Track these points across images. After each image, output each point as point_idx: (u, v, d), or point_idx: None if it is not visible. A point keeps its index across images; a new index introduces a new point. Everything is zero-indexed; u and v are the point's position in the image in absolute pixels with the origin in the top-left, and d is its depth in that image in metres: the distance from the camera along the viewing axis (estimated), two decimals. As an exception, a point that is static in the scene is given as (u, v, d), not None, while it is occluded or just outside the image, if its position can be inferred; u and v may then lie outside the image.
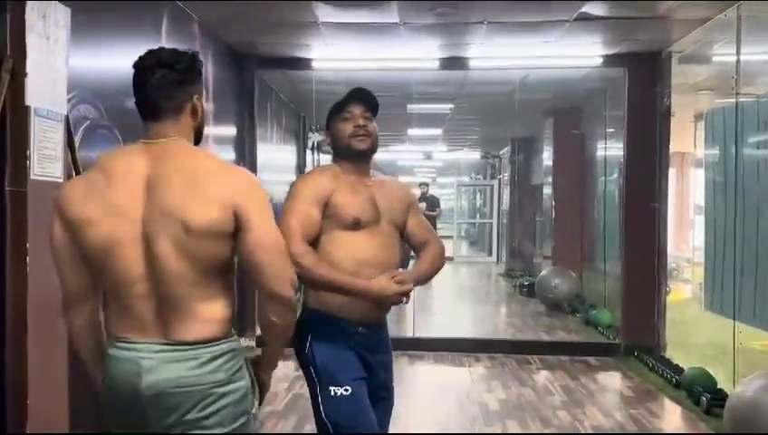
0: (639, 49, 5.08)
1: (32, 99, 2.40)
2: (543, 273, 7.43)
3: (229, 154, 5.19)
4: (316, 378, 1.91)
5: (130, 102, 1.47)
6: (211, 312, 1.38)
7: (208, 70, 4.62)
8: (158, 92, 1.40)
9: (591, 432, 3.53)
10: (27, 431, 2.29)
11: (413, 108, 7.54)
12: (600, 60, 5.26)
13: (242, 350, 1.45)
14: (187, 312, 1.35)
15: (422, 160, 13.10)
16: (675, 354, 5.04)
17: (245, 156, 5.51)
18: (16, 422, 2.30)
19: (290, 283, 1.42)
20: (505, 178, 11.00)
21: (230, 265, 1.41)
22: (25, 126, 2.36)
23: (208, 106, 4.59)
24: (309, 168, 7.89)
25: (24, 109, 2.37)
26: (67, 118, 2.61)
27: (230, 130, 5.27)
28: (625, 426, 3.65)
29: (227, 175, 1.41)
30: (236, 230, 1.36)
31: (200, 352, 1.34)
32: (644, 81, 5.19)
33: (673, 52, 5.07)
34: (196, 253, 1.34)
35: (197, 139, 1.49)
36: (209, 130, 4.61)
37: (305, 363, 1.95)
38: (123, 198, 1.36)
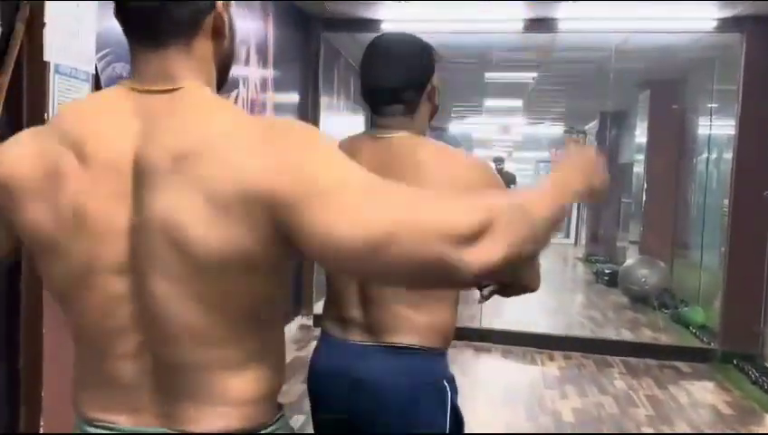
0: (762, 12, 4.33)
1: (51, 54, 2.11)
2: (629, 262, 6.77)
3: (291, 122, 4.86)
4: None
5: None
6: (240, 388, 0.82)
7: (270, 31, 4.27)
8: None
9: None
10: (42, 427, 2.09)
11: (492, 76, 6.95)
12: (714, 23, 4.54)
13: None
14: (202, 387, 0.82)
15: (499, 134, 12.44)
16: (783, 366, 4.40)
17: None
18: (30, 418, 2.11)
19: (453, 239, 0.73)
20: (590, 155, 10.23)
21: (273, 303, 0.84)
22: (43, 85, 2.09)
23: (268, 72, 4.26)
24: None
25: (41, 65, 2.09)
26: (96, 77, 2.33)
27: (292, 98, 4.94)
28: (725, 455, 3.12)
29: (261, 142, 0.76)
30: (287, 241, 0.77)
31: None
32: (765, 49, 4.45)
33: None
34: (215, 293, 0.79)
35: (221, 82, 0.90)
36: (269, 98, 4.28)
37: None
38: (98, 198, 0.79)
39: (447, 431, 1.32)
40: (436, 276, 0.77)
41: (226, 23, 0.86)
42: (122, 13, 0.82)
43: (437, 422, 1.32)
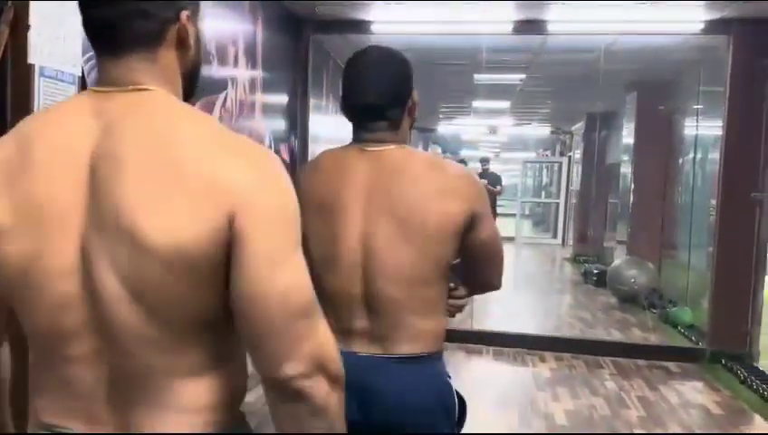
0: (748, 14, 4.36)
1: (36, 56, 2.07)
2: (617, 262, 6.80)
3: (279, 124, 4.82)
4: None
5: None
6: (195, 395, 0.81)
7: (259, 32, 4.23)
8: (119, 2, 0.80)
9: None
10: None
11: (481, 78, 6.95)
12: (701, 25, 4.56)
13: None
14: (156, 394, 0.80)
15: (486, 135, 12.47)
16: (770, 365, 4.43)
17: (297, 127, 5.14)
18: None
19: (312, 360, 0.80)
20: (576, 155, 10.29)
21: (226, 310, 0.82)
22: (28, 88, 2.05)
23: (257, 73, 4.22)
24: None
25: (26, 67, 2.05)
26: (83, 79, 2.28)
27: (281, 99, 4.89)
28: (717, 455, 3.13)
29: (226, 153, 0.78)
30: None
31: None
32: (752, 51, 4.48)
33: (789, 17, 4.33)
34: (168, 296, 0.77)
35: (189, 91, 0.90)
36: (257, 99, 4.24)
37: None
38: (51, 193, 0.78)
39: (457, 417, 1.41)
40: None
41: (191, 33, 0.86)
42: (86, 23, 0.82)
43: (450, 415, 1.39)
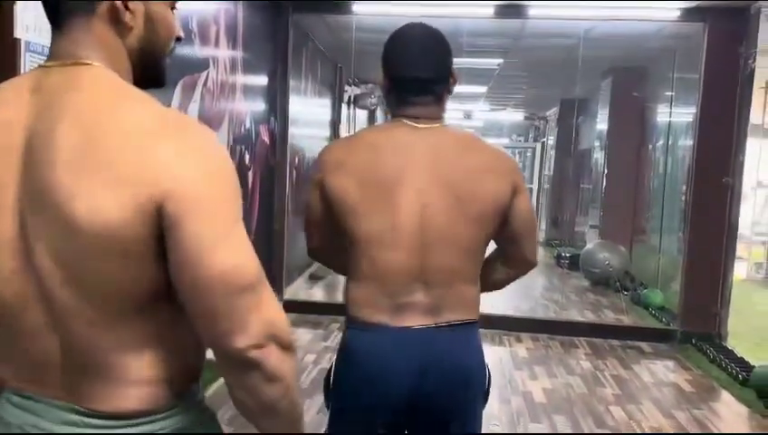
0: (724, 2, 4.46)
1: (22, 31, 2.03)
2: (590, 246, 6.94)
3: (259, 106, 4.78)
4: None
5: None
6: (137, 369, 0.83)
7: (240, 12, 4.18)
8: None
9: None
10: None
11: (460, 62, 6.90)
12: (678, 13, 4.65)
13: (204, 420, 0.91)
14: (101, 366, 0.82)
15: (461, 119, 12.51)
16: (737, 344, 4.59)
17: (276, 109, 5.11)
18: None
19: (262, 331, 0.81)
20: (550, 141, 10.41)
21: (160, 288, 0.82)
22: (13, 63, 2.00)
23: (237, 54, 4.17)
24: (344, 123, 7.45)
25: (12, 42, 2.00)
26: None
27: (260, 80, 4.85)
28: (689, 430, 3.24)
29: (158, 136, 0.77)
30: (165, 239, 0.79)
31: (125, 433, 0.83)
32: (726, 39, 4.57)
33: (763, 7, 4.43)
34: (99, 276, 0.78)
35: (146, 75, 0.89)
36: (238, 79, 4.20)
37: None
38: None
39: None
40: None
41: (137, 12, 0.86)
42: None
43: (485, 380, 1.48)
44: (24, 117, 0.79)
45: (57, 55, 0.84)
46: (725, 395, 3.82)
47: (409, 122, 1.39)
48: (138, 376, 0.83)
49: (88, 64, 0.82)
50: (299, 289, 5.87)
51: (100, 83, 0.81)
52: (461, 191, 1.35)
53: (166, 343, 0.84)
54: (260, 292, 0.81)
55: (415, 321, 1.37)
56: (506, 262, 1.55)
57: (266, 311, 0.81)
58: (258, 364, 0.80)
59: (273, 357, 0.81)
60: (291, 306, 4.95)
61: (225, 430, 0.99)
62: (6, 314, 0.83)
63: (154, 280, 0.80)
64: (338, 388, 1.44)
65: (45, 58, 0.86)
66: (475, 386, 1.44)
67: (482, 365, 1.46)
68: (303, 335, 4.54)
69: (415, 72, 1.38)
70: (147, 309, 0.82)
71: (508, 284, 1.61)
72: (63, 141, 0.76)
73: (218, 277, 0.77)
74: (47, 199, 0.76)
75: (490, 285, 1.55)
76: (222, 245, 0.78)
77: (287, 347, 0.83)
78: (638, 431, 3.21)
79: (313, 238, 1.50)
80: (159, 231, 0.77)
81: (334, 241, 1.44)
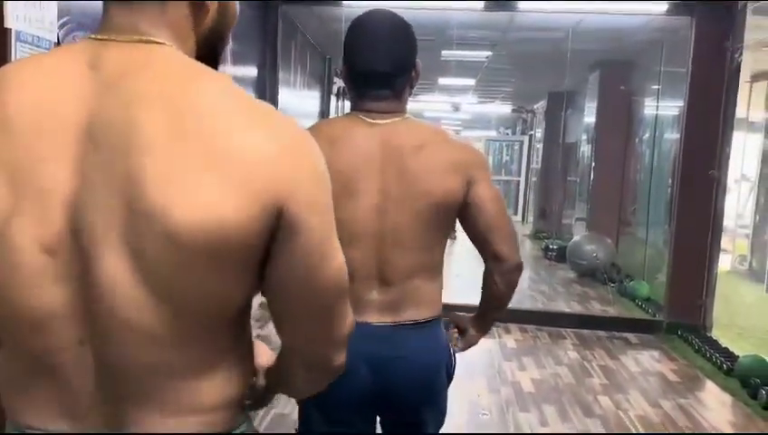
0: (711, -3, 4.51)
1: (13, 21, 2.00)
2: (577, 238, 7.00)
3: (249, 97, 4.76)
4: None
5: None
6: (200, 393, 0.72)
7: (228, 1, 4.15)
8: None
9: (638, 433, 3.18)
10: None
11: (448, 54, 6.98)
12: (666, 6, 4.69)
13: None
14: (157, 396, 0.70)
15: (449, 112, 12.53)
16: (722, 335, 4.66)
17: (266, 100, 5.07)
18: None
19: None
20: (538, 134, 10.46)
21: (249, 304, 0.75)
22: (5, 52, 1.98)
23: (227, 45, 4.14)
24: (333, 115, 7.44)
25: (3, 32, 1.98)
26: (58, 45, 2.22)
27: (250, 72, 4.83)
28: (675, 419, 3.29)
29: (265, 132, 0.67)
30: (274, 242, 0.69)
31: None
32: (713, 33, 4.62)
33: (750, 2, 4.48)
34: (186, 286, 0.66)
35: (212, 60, 0.80)
36: (227, 71, 4.17)
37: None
38: (29, 158, 0.66)
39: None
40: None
41: None
42: None
43: (448, 372, 1.48)
44: (85, 94, 0.67)
45: (118, 29, 0.71)
46: (710, 384, 3.88)
47: (365, 117, 1.35)
48: (197, 402, 0.72)
49: (159, 43, 0.70)
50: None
51: (176, 65, 0.70)
52: (411, 189, 1.31)
53: (232, 362, 0.75)
54: (347, 296, 0.79)
55: (374, 317, 1.36)
56: (487, 267, 1.44)
57: (351, 316, 0.81)
58: (331, 367, 0.82)
59: (342, 359, 0.82)
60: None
61: None
62: (35, 333, 0.68)
63: (249, 290, 0.71)
64: None
65: (36, 47, 0.79)
66: (437, 381, 1.44)
67: (444, 359, 1.45)
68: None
69: (371, 65, 1.32)
70: (226, 322, 0.72)
71: (504, 294, 1.45)
72: (145, 131, 0.64)
73: (330, 282, 0.74)
74: (128, 192, 0.63)
75: (488, 302, 1.48)
76: (332, 249, 0.73)
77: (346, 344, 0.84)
78: (626, 420, 3.26)
79: None
80: (272, 234, 0.67)
81: None
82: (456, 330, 1.56)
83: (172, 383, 0.70)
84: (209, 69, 0.72)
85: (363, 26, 1.35)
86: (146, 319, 0.66)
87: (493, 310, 1.52)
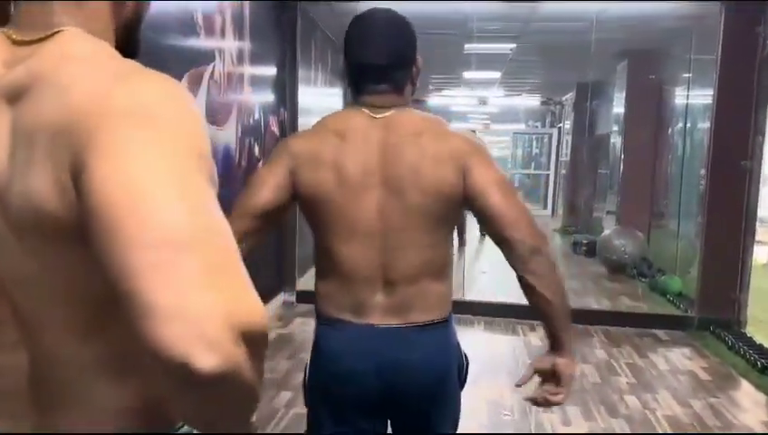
0: (741, -20, 4.34)
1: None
2: (607, 232, 6.84)
3: (268, 97, 4.76)
4: None
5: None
6: (109, 395, 0.69)
7: (245, 3, 4.15)
8: None
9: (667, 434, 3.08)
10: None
11: (471, 48, 6.88)
12: (693, -8, 4.53)
13: None
14: (71, 393, 0.70)
15: (476, 106, 12.40)
16: (756, 331, 4.50)
17: (286, 99, 5.09)
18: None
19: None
20: (566, 126, 10.27)
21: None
22: None
23: (244, 44, 4.15)
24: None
25: None
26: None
27: (269, 71, 4.83)
28: (705, 419, 3.18)
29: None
30: None
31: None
32: (744, 19, 4.45)
33: (782, -16, 4.31)
34: (62, 270, 0.65)
35: (134, 46, 0.79)
36: (246, 70, 4.18)
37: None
38: None
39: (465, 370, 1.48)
40: None
41: None
42: None
43: (460, 373, 1.45)
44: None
45: (32, 26, 0.70)
46: (743, 383, 3.75)
47: (366, 110, 1.36)
48: (107, 404, 0.70)
49: (66, 31, 0.69)
50: (311, 280, 5.87)
51: (85, 53, 0.68)
52: (407, 184, 1.30)
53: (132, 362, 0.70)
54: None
55: (379, 319, 1.34)
56: (507, 259, 1.31)
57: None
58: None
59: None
60: (304, 297, 4.96)
61: None
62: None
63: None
64: (311, 384, 1.44)
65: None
66: (447, 383, 1.41)
67: (455, 361, 1.42)
68: (316, 326, 4.53)
69: (369, 59, 1.34)
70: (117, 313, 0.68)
71: (542, 288, 1.28)
72: (42, 135, 0.64)
73: None
74: (22, 192, 0.64)
75: (537, 310, 1.32)
76: None
77: None
78: (653, 420, 3.16)
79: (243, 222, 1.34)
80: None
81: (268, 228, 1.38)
82: (543, 379, 1.42)
83: (81, 382, 0.69)
84: (108, 49, 0.71)
85: (363, 22, 1.38)
86: (44, 309, 0.68)
87: (550, 318, 1.32)
